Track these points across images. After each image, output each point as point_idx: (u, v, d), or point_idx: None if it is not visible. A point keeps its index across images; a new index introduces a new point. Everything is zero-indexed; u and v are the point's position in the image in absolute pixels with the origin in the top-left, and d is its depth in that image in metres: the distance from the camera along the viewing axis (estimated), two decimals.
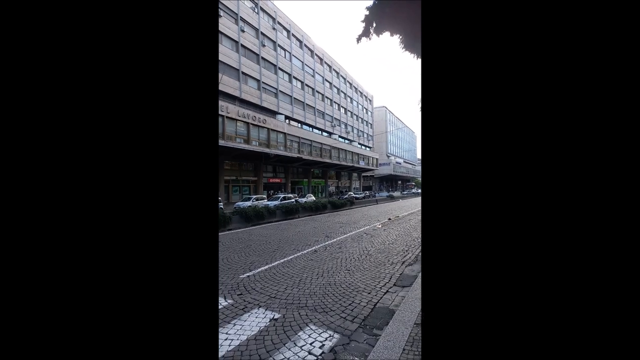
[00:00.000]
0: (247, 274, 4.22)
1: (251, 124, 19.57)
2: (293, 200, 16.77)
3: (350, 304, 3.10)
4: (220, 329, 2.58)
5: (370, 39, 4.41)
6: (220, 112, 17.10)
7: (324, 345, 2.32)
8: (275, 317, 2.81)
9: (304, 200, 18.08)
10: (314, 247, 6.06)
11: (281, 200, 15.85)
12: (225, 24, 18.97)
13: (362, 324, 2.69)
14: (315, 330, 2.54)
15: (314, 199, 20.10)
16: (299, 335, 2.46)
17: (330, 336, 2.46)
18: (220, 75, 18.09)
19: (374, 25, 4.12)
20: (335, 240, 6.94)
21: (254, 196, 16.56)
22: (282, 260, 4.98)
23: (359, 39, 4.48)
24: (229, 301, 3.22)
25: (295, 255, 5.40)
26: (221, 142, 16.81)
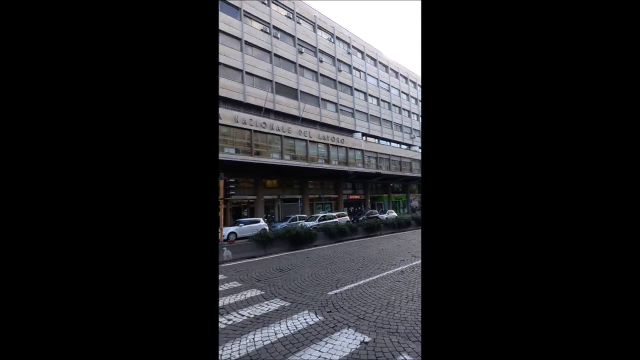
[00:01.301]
0: (334, 292, 4.33)
1: (330, 144, 20.71)
2: (336, 219, 14.57)
3: None
4: (313, 346, 2.73)
5: None
6: (303, 137, 19.06)
7: None
8: (366, 340, 2.78)
9: (384, 216, 17.49)
10: (400, 267, 5.74)
11: (319, 221, 13.75)
12: (306, 58, 21.18)
13: None
14: None
15: (396, 215, 19.17)
16: None
17: None
18: (303, 104, 20.10)
19: None
20: None
21: (323, 215, 16.91)
22: (367, 280, 4.91)
23: None
24: (320, 317, 3.37)
25: (381, 274, 5.24)
26: (305, 164, 18.34)
